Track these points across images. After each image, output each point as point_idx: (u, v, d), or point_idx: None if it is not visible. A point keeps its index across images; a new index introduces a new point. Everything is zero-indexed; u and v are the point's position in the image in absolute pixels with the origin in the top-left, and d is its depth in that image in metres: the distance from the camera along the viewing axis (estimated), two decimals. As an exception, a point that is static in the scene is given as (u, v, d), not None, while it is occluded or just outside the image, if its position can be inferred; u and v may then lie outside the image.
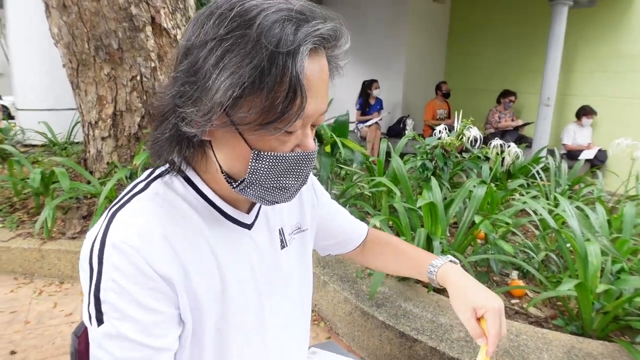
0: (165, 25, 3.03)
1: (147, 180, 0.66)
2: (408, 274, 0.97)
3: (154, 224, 0.60)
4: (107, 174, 3.19)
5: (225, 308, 0.67)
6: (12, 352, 1.96)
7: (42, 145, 5.18)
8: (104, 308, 0.57)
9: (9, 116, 7.57)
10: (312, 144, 0.61)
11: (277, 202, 0.65)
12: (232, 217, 0.69)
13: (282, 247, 0.78)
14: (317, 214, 0.90)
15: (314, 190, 0.90)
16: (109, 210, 0.62)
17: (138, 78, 3.04)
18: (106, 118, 3.12)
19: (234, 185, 0.62)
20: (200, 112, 0.55)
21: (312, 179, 0.91)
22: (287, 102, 0.52)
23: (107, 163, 3.23)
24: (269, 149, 0.57)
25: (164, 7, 3.00)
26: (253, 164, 0.58)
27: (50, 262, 2.64)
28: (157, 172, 0.68)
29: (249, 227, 0.72)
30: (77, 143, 5.06)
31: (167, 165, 0.66)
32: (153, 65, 3.05)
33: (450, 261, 0.88)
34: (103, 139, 3.19)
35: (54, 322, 2.20)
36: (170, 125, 0.60)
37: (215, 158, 0.62)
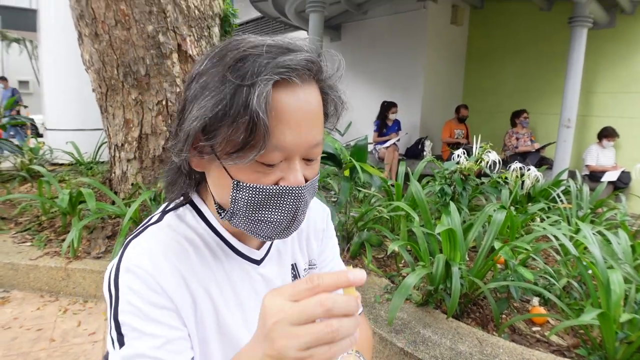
0: (190, 52, 3.15)
1: (161, 212, 0.70)
2: None
3: (163, 251, 0.64)
4: (132, 195, 3.28)
5: (229, 339, 0.68)
6: (39, 370, 2.01)
7: (68, 164, 5.35)
8: (123, 330, 0.59)
9: (37, 134, 7.84)
10: (298, 179, 0.59)
11: (270, 237, 0.64)
12: (240, 252, 0.71)
13: None
14: (322, 259, 0.90)
15: (326, 233, 0.89)
16: (125, 241, 0.66)
17: (164, 102, 3.14)
18: (132, 141, 3.23)
19: (222, 215, 0.64)
20: (179, 142, 0.60)
21: (329, 222, 0.90)
22: (249, 133, 0.53)
23: (132, 184, 3.32)
24: (250, 180, 0.58)
25: (190, 35, 3.12)
26: (234, 194, 0.60)
27: (75, 281, 2.71)
28: (172, 205, 0.71)
29: (257, 262, 0.73)
30: (103, 162, 5.21)
31: (182, 199, 0.70)
32: (178, 90, 3.16)
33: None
34: (128, 160, 3.30)
35: (78, 341, 2.26)
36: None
37: (209, 188, 0.65)
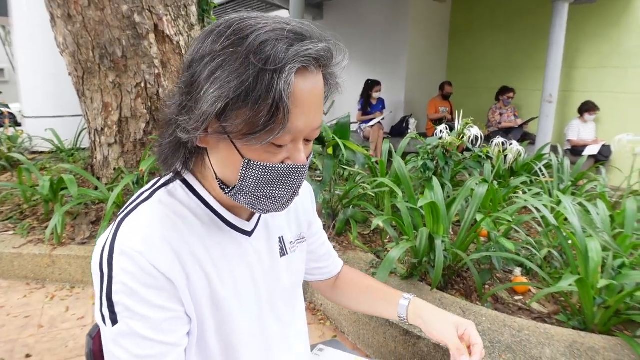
0: (168, 33, 3.08)
1: (152, 189, 0.71)
2: (376, 308, 0.95)
3: (156, 230, 0.64)
4: (114, 179, 3.25)
5: (223, 313, 0.70)
6: (27, 356, 2.01)
7: (49, 152, 5.25)
8: (117, 309, 0.61)
9: (16, 123, 7.66)
10: (302, 158, 0.63)
11: (269, 211, 0.67)
12: (233, 224, 0.73)
13: (282, 254, 0.82)
14: (312, 232, 0.94)
15: (312, 208, 0.94)
16: (116, 218, 0.67)
17: (142, 85, 3.09)
18: (112, 125, 3.18)
19: (226, 191, 0.65)
20: (192, 120, 0.59)
21: (313, 198, 0.95)
22: (270, 116, 0.55)
23: (114, 169, 3.28)
24: (259, 159, 0.61)
25: (166, 15, 3.05)
26: (243, 172, 0.61)
27: (61, 268, 2.69)
28: (162, 181, 0.72)
29: (249, 234, 0.75)
30: (84, 149, 5.12)
31: (171, 175, 0.71)
32: (157, 71, 3.10)
33: None
34: (109, 145, 3.25)
35: (67, 326, 2.25)
36: (170, 131, 0.65)
37: (211, 164, 0.66)
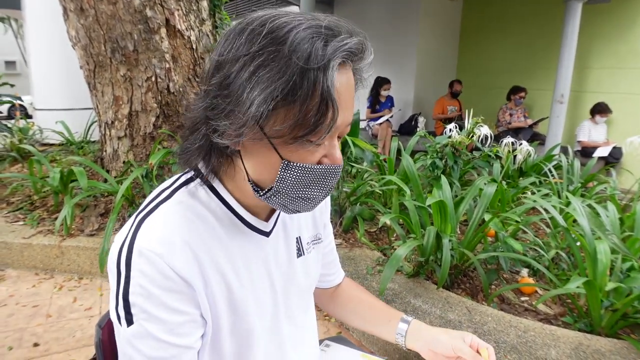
0: (179, 27, 3.09)
1: (172, 188, 0.69)
2: (374, 325, 0.93)
3: (176, 231, 0.64)
4: (123, 172, 3.27)
5: (240, 314, 0.70)
6: (35, 344, 2.04)
7: (59, 144, 5.30)
8: (133, 310, 0.61)
9: (27, 116, 7.74)
10: (339, 156, 0.62)
11: (298, 211, 0.66)
12: (252, 225, 0.72)
13: (299, 255, 0.81)
14: (325, 233, 0.93)
15: (327, 210, 0.93)
16: (136, 217, 0.66)
17: (153, 79, 3.10)
18: (122, 118, 3.20)
19: (261, 194, 0.64)
20: (234, 125, 0.57)
21: (328, 199, 0.94)
22: (320, 115, 0.55)
23: (123, 162, 3.30)
24: (298, 160, 0.59)
25: (178, 10, 3.06)
26: (282, 174, 0.60)
27: (69, 259, 2.72)
28: (182, 179, 0.71)
29: (267, 234, 0.74)
30: (94, 142, 5.17)
31: (192, 173, 0.69)
32: (167, 66, 3.11)
33: None
34: (119, 138, 3.27)
35: (74, 316, 2.28)
36: (200, 135, 0.63)
37: (244, 167, 0.64)
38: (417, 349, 0.84)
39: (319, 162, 0.62)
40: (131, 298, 0.61)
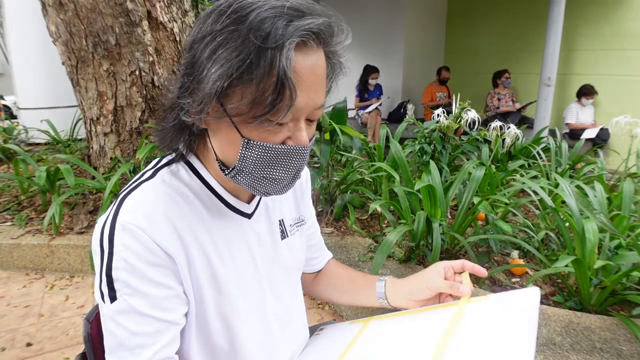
0: (161, 19, 3.04)
1: (154, 169, 0.70)
2: (356, 295, 0.94)
3: (159, 207, 0.64)
4: (111, 169, 3.24)
5: (224, 293, 0.70)
6: (28, 344, 2.02)
7: (45, 144, 5.22)
8: (116, 285, 0.61)
9: (11, 116, 7.61)
10: (304, 138, 0.61)
11: (269, 194, 0.67)
12: (233, 206, 0.73)
13: (283, 237, 0.82)
14: (306, 215, 0.93)
15: (308, 192, 0.93)
16: (118, 196, 0.66)
17: (137, 73, 3.06)
18: (107, 114, 3.15)
19: (226, 172, 0.64)
20: (195, 102, 0.59)
21: (309, 182, 0.94)
22: (276, 94, 0.55)
23: (111, 158, 3.27)
24: (259, 139, 0.60)
25: (159, 1, 3.01)
26: (243, 152, 0.60)
27: (60, 257, 2.70)
28: (164, 161, 0.71)
29: (248, 216, 0.75)
30: (80, 140, 5.10)
31: (174, 155, 0.70)
32: (151, 59, 3.07)
33: None
34: (105, 134, 3.23)
35: (67, 315, 2.26)
36: (174, 114, 0.64)
37: (211, 145, 0.65)
38: (402, 305, 0.85)
39: (283, 143, 0.61)
40: (114, 273, 0.61)
